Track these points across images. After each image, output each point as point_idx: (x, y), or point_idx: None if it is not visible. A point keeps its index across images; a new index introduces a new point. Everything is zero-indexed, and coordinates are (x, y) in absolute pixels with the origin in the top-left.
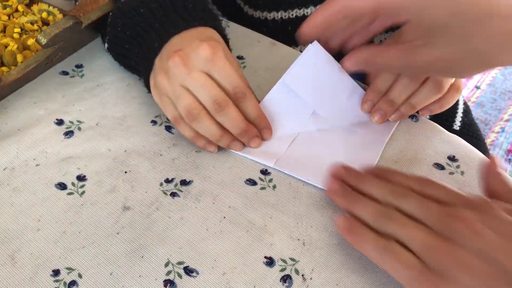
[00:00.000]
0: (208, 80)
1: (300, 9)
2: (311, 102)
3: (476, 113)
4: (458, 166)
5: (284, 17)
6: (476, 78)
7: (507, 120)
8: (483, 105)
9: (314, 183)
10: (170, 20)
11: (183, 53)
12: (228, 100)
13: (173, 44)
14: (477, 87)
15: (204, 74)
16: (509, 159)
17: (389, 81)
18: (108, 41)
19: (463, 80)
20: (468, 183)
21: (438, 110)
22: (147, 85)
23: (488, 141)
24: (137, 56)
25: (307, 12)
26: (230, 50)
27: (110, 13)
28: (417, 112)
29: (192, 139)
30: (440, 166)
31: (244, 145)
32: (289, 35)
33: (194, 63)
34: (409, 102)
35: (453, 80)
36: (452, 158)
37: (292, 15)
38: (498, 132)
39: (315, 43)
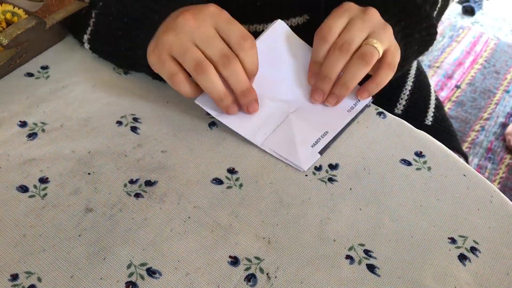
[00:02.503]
0: (217, 35)
1: (253, 25)
2: (272, 76)
3: (456, 112)
4: (425, 162)
5: None
6: (456, 77)
7: (487, 119)
8: (463, 104)
9: (295, 163)
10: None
11: (193, 11)
12: (235, 57)
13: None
14: (457, 87)
15: (213, 28)
16: (490, 157)
17: (324, 51)
18: (93, 33)
19: (443, 79)
20: (434, 178)
21: (375, 89)
22: (144, 59)
23: (468, 139)
24: (133, 38)
25: (259, 29)
26: None
27: (95, 11)
28: (358, 100)
29: (189, 95)
30: (407, 162)
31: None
32: (258, 10)
33: (204, 17)
34: (340, 81)
35: (380, 53)
36: (419, 154)
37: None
38: (478, 131)
39: (280, 21)
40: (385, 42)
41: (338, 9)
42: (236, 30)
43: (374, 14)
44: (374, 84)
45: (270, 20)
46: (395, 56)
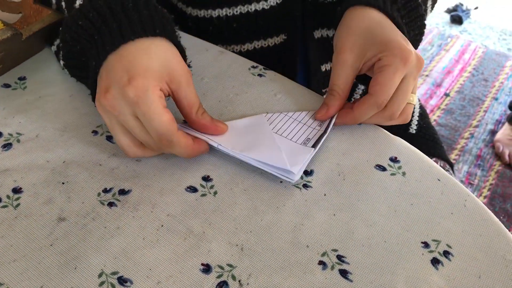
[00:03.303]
0: (135, 126)
1: (244, 5)
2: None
3: (446, 120)
4: (399, 167)
5: (228, 14)
6: (445, 85)
7: (476, 126)
8: (452, 112)
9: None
10: (109, 32)
11: (111, 95)
12: (159, 143)
13: (109, 63)
14: (447, 94)
15: (133, 117)
16: (479, 164)
17: (371, 115)
18: (63, 57)
19: (432, 87)
20: (409, 183)
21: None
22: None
23: (458, 147)
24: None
25: (251, 9)
26: (185, 59)
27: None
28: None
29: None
30: (381, 168)
31: None
32: (235, 32)
33: (121, 106)
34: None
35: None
36: (394, 160)
37: (237, 11)
38: (467, 138)
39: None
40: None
41: (401, 62)
42: (152, 129)
43: (423, 64)
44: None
45: (247, 40)
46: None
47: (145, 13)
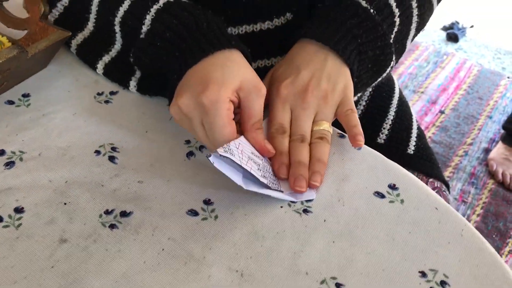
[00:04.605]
0: (200, 131)
1: (249, 25)
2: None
3: (440, 137)
4: (398, 195)
5: (233, 33)
6: (440, 102)
7: (470, 144)
8: (447, 129)
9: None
10: (189, 48)
11: (186, 101)
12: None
13: (188, 74)
14: (441, 112)
15: (200, 124)
16: (473, 182)
17: (286, 143)
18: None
19: (428, 104)
20: (407, 211)
21: (360, 129)
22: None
23: (452, 164)
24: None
25: (256, 28)
26: (251, 63)
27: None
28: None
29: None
30: (380, 195)
31: None
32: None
33: (193, 112)
34: (313, 159)
35: (330, 131)
36: (392, 187)
37: (242, 31)
38: (461, 156)
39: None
40: (329, 113)
41: (277, 100)
42: (212, 136)
43: (310, 96)
44: (356, 127)
45: (253, 21)
46: (348, 101)
47: (216, 29)
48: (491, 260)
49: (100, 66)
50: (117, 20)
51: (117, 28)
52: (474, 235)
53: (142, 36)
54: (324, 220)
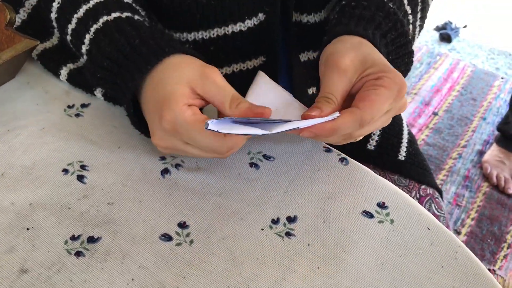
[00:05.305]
0: (192, 150)
1: (220, 27)
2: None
3: (434, 139)
4: (387, 214)
5: (205, 37)
6: (434, 104)
7: (464, 146)
8: (440, 131)
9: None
10: (128, 72)
11: (158, 137)
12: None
13: (145, 102)
14: (435, 114)
15: (185, 144)
16: (467, 185)
17: (352, 128)
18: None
19: (421, 106)
20: (397, 232)
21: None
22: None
23: (446, 167)
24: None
25: (227, 31)
26: (197, 56)
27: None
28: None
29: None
30: (369, 214)
31: None
32: (212, 55)
33: (170, 141)
34: None
35: None
36: (381, 205)
37: (213, 34)
38: (455, 158)
39: (261, 73)
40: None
41: (397, 92)
42: (203, 148)
43: (403, 109)
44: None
45: (225, 64)
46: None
47: (151, 41)
48: (488, 287)
49: (63, 72)
50: (68, 37)
51: (70, 44)
52: (469, 258)
53: (85, 57)
54: (308, 244)
